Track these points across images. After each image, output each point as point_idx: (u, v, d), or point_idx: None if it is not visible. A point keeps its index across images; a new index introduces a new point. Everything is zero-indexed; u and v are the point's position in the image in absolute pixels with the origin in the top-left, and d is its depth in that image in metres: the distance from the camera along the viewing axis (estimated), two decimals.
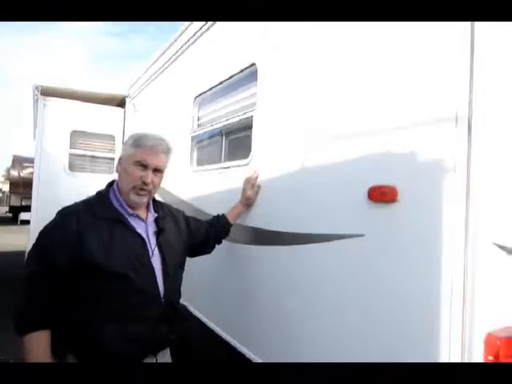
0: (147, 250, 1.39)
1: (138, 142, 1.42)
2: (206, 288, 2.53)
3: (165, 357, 1.48)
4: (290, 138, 1.77)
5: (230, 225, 1.96)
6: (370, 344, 1.29)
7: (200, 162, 2.85)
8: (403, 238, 1.20)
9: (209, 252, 1.90)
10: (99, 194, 1.46)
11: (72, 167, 4.66)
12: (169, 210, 1.63)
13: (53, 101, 4.55)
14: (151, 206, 1.51)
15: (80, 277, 1.30)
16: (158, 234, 1.46)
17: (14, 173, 16.12)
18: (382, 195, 1.24)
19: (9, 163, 18.83)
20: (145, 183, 1.39)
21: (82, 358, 1.32)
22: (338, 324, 1.43)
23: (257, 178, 1.97)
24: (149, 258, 1.38)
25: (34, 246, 1.37)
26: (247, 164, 2.09)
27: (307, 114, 1.67)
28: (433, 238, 1.12)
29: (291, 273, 1.70)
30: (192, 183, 2.80)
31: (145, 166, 1.40)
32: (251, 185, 1.96)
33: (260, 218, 1.95)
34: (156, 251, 1.42)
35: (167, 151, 1.47)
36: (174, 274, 1.47)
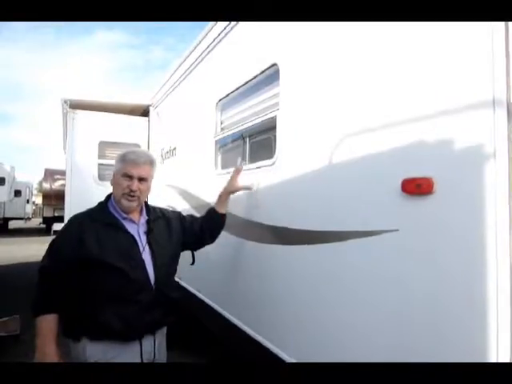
0: (137, 246, 1.68)
1: (123, 157, 1.72)
2: (237, 289, 2.52)
3: (162, 335, 1.80)
4: (317, 134, 1.74)
5: (220, 214, 2.15)
6: (406, 344, 1.24)
7: (224, 165, 2.86)
8: (441, 232, 1.14)
9: (209, 243, 2.14)
10: (100, 203, 1.78)
11: (101, 177, 4.79)
12: (161, 213, 1.91)
13: (81, 113, 4.72)
14: (144, 211, 1.81)
15: (82, 269, 1.58)
16: (148, 233, 1.74)
17: (46, 185, 16.83)
18: (416, 187, 1.19)
19: (41, 176, 19.70)
20: (132, 191, 1.67)
21: (92, 339, 1.57)
22: (370, 323, 1.38)
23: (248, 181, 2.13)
24: (139, 253, 1.67)
25: (49, 246, 1.68)
26: (272, 164, 2.07)
27: (335, 108, 1.64)
28: (474, 231, 1.06)
29: (321, 272, 1.67)
30: (217, 186, 2.80)
31: (130, 177, 1.68)
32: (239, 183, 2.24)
33: (288, 217, 1.92)
34: (147, 247, 1.71)
35: (150, 162, 1.76)
36: (163, 265, 1.73)
